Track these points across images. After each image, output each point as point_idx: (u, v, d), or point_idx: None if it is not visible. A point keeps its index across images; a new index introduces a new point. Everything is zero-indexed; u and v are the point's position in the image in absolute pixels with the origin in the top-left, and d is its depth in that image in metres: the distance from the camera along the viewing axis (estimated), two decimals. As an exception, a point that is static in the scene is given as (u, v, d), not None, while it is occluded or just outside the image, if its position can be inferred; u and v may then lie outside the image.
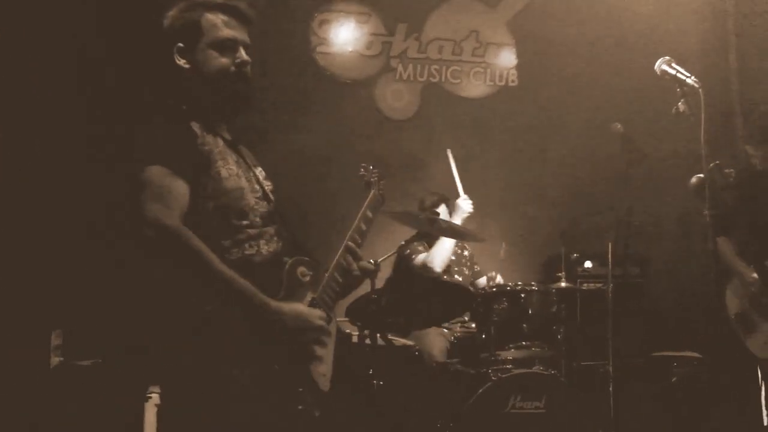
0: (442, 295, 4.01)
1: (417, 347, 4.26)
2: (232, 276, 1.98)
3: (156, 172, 2.01)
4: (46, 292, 4.16)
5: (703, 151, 2.45)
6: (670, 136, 4.84)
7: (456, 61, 5.87)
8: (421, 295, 3.95)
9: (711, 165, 2.46)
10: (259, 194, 2.21)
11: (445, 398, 3.67)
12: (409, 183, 5.43)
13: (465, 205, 4.81)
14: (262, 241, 2.15)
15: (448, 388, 3.75)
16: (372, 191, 2.58)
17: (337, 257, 2.29)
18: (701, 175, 2.49)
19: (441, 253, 4.59)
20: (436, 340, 4.39)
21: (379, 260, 3.64)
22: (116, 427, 3.68)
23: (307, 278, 2.17)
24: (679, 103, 2.59)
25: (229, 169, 2.14)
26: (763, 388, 4.07)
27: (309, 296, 2.16)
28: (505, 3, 5.96)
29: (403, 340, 4.21)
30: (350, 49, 5.67)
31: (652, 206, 5.28)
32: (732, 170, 2.38)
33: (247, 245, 2.11)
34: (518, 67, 5.95)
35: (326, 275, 2.23)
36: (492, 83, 5.93)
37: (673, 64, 2.70)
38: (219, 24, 2.20)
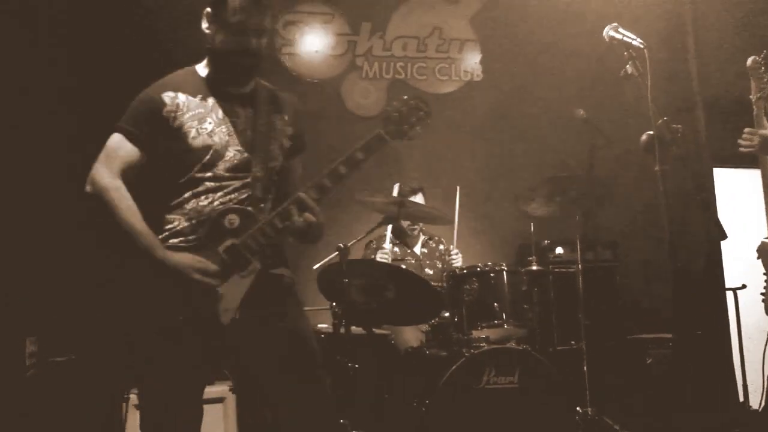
0: (411, 292, 3.88)
1: (392, 336, 4.30)
2: (141, 228, 2.24)
3: (115, 139, 2.32)
4: (18, 296, 4.14)
5: (650, 109, 2.53)
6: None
7: (421, 58, 5.95)
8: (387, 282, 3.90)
9: (659, 121, 2.53)
10: (239, 148, 2.34)
11: (421, 379, 3.68)
12: (382, 176, 5.49)
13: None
14: (219, 194, 2.31)
15: (423, 370, 3.76)
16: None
17: (284, 205, 2.32)
18: (651, 132, 2.56)
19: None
20: (411, 332, 4.44)
21: (349, 244, 3.70)
22: (93, 424, 3.67)
23: (235, 225, 2.29)
24: (627, 66, 2.66)
25: (201, 129, 2.30)
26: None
27: (228, 242, 2.28)
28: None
29: (379, 331, 4.25)
30: (316, 50, 5.72)
31: (620, 192, 5.34)
32: (680, 126, 2.44)
33: (203, 197, 2.30)
34: (482, 61, 6.03)
35: (260, 223, 2.30)
36: (458, 78, 6.01)
37: (620, 29, 2.78)
38: (237, 6, 2.27)
